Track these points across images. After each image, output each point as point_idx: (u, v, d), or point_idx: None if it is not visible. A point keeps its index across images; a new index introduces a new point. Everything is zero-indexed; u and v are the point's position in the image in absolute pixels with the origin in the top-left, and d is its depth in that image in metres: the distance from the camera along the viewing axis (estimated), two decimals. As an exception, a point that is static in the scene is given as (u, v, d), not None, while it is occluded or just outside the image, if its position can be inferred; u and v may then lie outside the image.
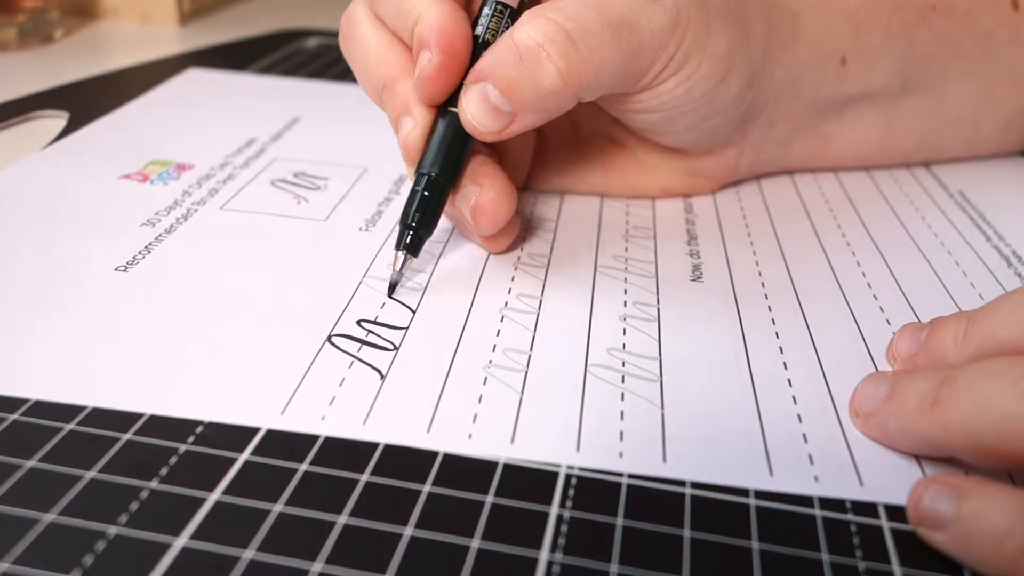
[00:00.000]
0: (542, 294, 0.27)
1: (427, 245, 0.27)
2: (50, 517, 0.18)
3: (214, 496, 0.19)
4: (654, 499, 0.19)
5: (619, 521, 0.19)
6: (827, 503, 0.20)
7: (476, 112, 0.25)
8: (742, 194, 0.34)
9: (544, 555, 0.18)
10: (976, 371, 0.19)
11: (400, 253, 0.26)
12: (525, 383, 0.23)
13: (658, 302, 0.27)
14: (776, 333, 0.25)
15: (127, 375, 0.22)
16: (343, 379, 0.22)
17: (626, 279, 0.28)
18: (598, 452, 0.20)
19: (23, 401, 0.21)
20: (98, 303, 0.25)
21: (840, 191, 0.35)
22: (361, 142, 0.37)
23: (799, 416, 0.22)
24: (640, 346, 0.24)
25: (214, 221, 0.30)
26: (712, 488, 0.20)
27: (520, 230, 0.30)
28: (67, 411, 0.21)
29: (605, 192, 0.33)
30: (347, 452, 0.20)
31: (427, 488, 0.19)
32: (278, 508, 0.18)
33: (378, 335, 0.24)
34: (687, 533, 0.19)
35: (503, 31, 0.26)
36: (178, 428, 0.20)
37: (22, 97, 0.41)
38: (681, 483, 0.20)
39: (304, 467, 0.20)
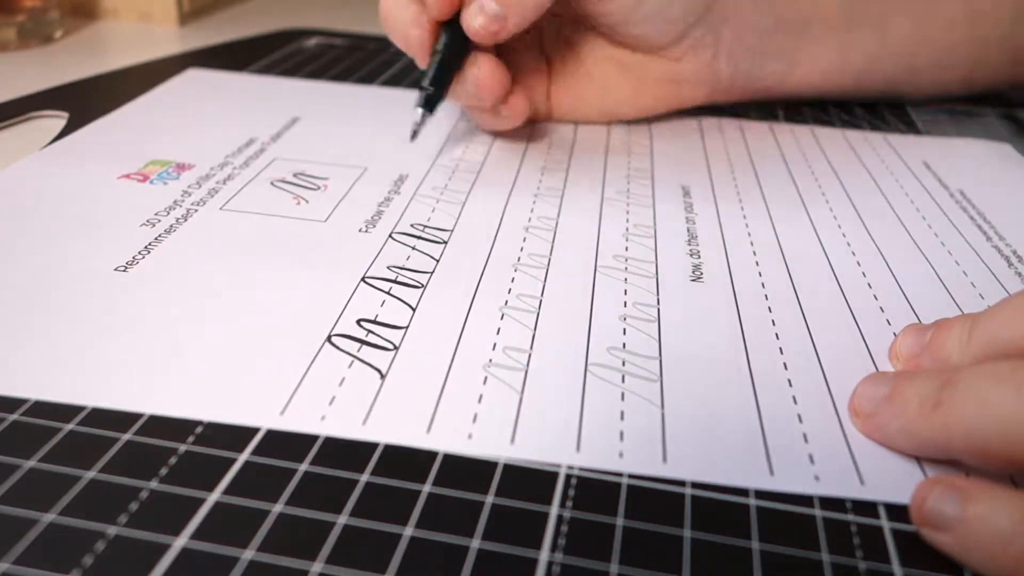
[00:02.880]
0: (542, 294, 0.27)
1: (427, 247, 0.29)
2: (50, 517, 0.18)
3: (214, 496, 0.19)
4: (654, 499, 0.19)
5: (619, 521, 0.19)
6: (827, 503, 0.20)
7: (474, 18, 0.32)
8: (743, 194, 0.34)
9: (544, 555, 0.18)
10: (978, 373, 0.19)
11: (419, 109, 0.33)
12: (525, 382, 0.23)
13: (658, 302, 0.27)
14: (776, 333, 0.25)
15: (127, 375, 0.22)
16: (343, 379, 0.22)
17: (626, 279, 0.28)
18: (598, 452, 0.20)
19: (23, 401, 0.21)
20: (98, 303, 0.25)
21: (841, 191, 0.35)
22: (361, 142, 0.37)
23: (799, 416, 0.22)
24: (640, 346, 0.24)
25: (214, 221, 0.30)
26: (712, 488, 0.20)
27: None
28: (67, 411, 0.21)
29: (613, 112, 0.40)
30: (347, 452, 0.20)
31: (427, 488, 0.19)
32: (278, 508, 0.18)
33: (378, 335, 0.24)
34: (687, 533, 0.18)
35: None
36: (178, 428, 0.20)
37: (22, 97, 0.41)
38: (681, 483, 0.20)
39: (304, 467, 0.20)
